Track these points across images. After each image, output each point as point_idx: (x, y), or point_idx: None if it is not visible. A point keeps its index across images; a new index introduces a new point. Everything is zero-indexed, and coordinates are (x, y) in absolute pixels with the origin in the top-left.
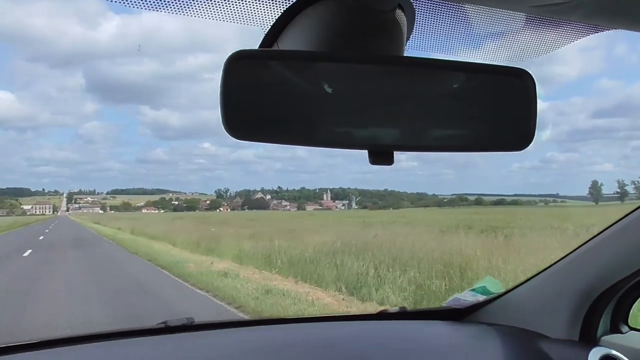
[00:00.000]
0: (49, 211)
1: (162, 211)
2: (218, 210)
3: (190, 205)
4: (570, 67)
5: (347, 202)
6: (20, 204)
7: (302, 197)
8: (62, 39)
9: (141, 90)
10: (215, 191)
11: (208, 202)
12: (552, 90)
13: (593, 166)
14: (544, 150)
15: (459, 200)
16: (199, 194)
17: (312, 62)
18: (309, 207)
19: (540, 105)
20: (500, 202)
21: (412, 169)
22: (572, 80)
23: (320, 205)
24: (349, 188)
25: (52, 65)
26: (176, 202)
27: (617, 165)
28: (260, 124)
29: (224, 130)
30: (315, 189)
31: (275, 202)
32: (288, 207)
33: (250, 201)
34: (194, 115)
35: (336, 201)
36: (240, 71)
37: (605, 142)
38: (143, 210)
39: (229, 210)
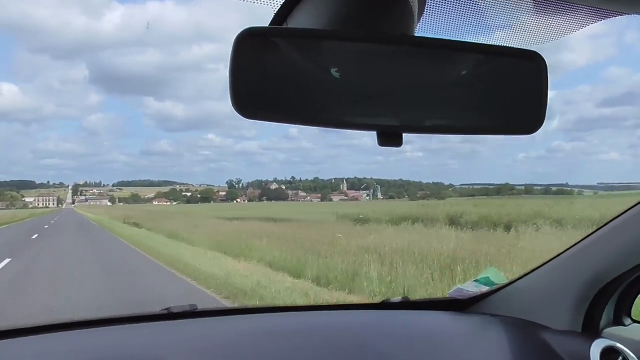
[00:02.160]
0: (53, 204)
1: (174, 203)
2: (235, 201)
3: (205, 196)
4: (578, 55)
5: (372, 192)
6: (22, 196)
7: (318, 188)
8: (65, 29)
9: (145, 82)
10: (227, 182)
11: (224, 193)
12: (559, 78)
13: (599, 155)
14: (550, 140)
15: (508, 190)
16: (207, 185)
17: (323, 40)
18: (335, 198)
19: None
20: (547, 191)
21: (417, 159)
22: (579, 68)
23: (345, 196)
24: (364, 178)
25: (55, 57)
26: (188, 194)
27: (623, 154)
28: (269, 103)
29: (232, 108)
30: (331, 179)
31: (291, 192)
32: (308, 197)
33: (268, 191)
34: (198, 107)
35: (359, 191)
36: (250, 49)
37: (612, 130)
38: (154, 202)
39: (245, 201)
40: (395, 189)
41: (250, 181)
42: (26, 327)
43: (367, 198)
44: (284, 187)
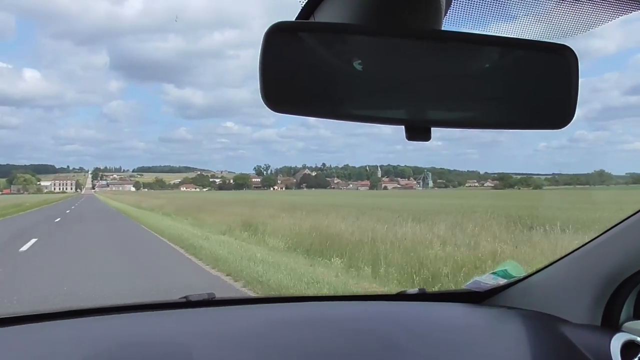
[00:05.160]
0: (71, 188)
1: (204, 189)
2: (272, 188)
3: (240, 183)
4: (607, 41)
5: (422, 179)
6: (38, 180)
7: (353, 175)
8: (87, 15)
9: (165, 69)
10: (255, 168)
11: (258, 180)
12: (585, 66)
13: (624, 145)
14: (572, 129)
15: (607, 178)
16: (228, 172)
17: (351, 34)
18: (389, 186)
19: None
20: (637, 180)
21: (436, 149)
22: (607, 55)
23: (398, 184)
24: (398, 166)
25: (77, 43)
26: (217, 180)
27: None
28: (298, 97)
29: (262, 102)
30: (364, 166)
31: (328, 179)
32: (351, 185)
33: (309, 179)
34: (217, 94)
35: (411, 179)
36: (280, 43)
37: (638, 120)
38: (181, 188)
39: (283, 188)
40: (433, 177)
41: (279, 167)
42: (48, 312)
43: (419, 187)
44: (314, 173)
